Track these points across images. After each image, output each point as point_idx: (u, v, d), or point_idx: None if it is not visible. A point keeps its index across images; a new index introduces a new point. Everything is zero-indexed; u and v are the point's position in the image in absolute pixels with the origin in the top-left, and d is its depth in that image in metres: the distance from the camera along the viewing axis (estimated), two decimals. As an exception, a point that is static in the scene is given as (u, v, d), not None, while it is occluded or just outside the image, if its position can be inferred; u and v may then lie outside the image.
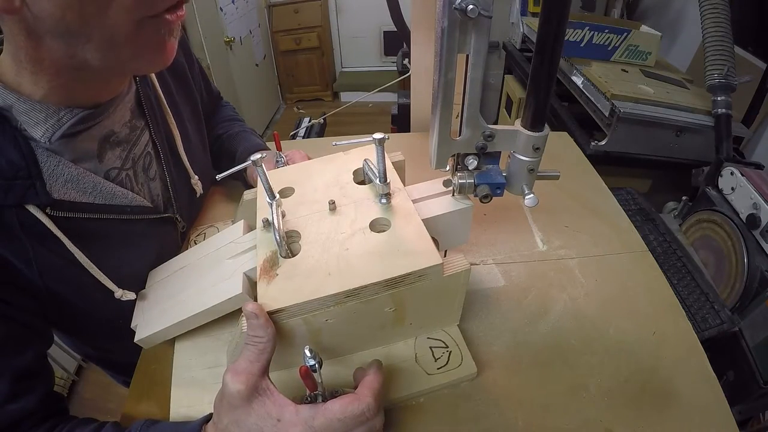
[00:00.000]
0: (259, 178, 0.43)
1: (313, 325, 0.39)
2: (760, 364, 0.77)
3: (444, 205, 0.45)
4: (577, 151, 0.83)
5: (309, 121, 0.95)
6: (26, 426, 0.40)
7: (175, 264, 0.51)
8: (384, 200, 0.44)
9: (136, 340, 0.46)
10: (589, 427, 0.42)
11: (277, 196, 0.44)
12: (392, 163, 0.50)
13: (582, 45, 1.34)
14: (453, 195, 0.45)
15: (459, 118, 0.38)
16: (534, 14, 1.87)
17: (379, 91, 1.17)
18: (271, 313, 0.36)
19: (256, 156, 0.40)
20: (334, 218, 0.43)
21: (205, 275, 0.47)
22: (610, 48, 1.35)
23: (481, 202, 0.42)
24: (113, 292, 0.45)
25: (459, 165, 0.42)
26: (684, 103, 1.12)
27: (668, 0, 1.69)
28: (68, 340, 0.62)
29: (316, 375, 0.35)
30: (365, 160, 0.46)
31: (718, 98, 1.04)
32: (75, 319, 0.49)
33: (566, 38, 1.10)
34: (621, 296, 0.54)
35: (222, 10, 2.37)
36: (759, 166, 0.99)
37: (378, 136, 0.41)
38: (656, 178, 1.29)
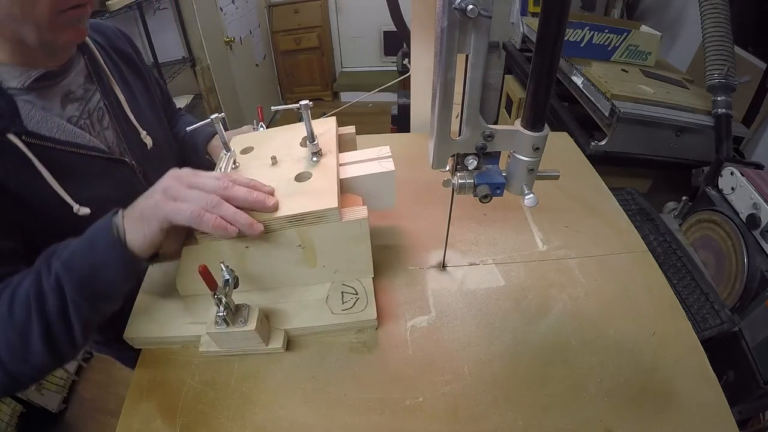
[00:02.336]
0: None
1: (236, 250, 0.47)
2: (760, 364, 0.77)
3: (366, 168, 0.53)
4: (577, 151, 0.83)
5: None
6: None
7: None
8: (315, 158, 0.52)
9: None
10: (589, 427, 0.42)
11: (233, 149, 0.55)
12: (342, 135, 0.61)
13: (582, 45, 1.34)
14: (379, 161, 0.53)
15: (459, 118, 0.38)
16: (534, 14, 1.87)
17: (379, 91, 1.17)
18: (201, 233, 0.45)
19: (215, 115, 0.51)
20: (272, 170, 0.52)
21: None
22: (610, 48, 1.35)
23: (481, 201, 0.42)
24: (71, 208, 0.54)
25: (459, 165, 0.42)
26: (684, 103, 1.13)
27: (668, 0, 1.70)
28: None
29: (227, 290, 0.44)
30: (304, 113, 0.52)
31: (718, 98, 1.04)
32: (36, 236, 0.55)
33: (566, 38, 1.10)
34: (621, 296, 0.54)
35: (222, 10, 2.37)
36: (759, 166, 0.99)
37: (303, 102, 0.49)
38: (656, 178, 1.29)
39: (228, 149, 0.54)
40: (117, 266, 0.45)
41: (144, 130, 0.69)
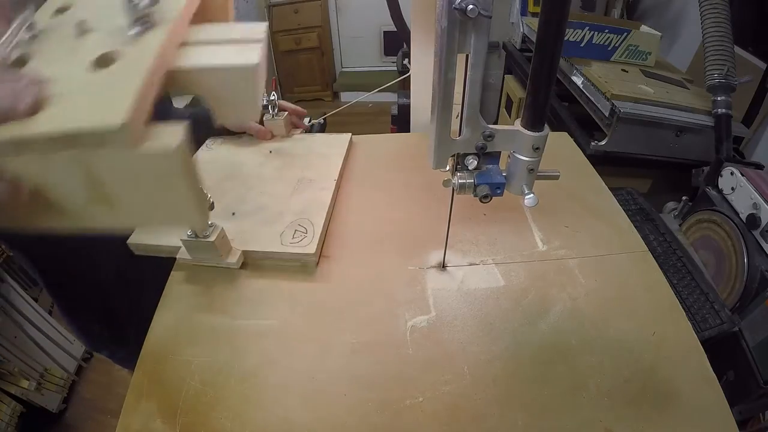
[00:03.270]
0: None
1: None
2: (760, 364, 0.77)
3: (215, 55, 0.34)
4: (577, 151, 0.83)
5: (309, 121, 0.95)
6: None
7: None
8: (136, 29, 0.31)
9: None
10: (589, 427, 0.42)
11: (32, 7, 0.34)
12: None
13: (582, 45, 1.34)
14: (240, 47, 0.34)
15: (459, 118, 0.38)
16: (534, 14, 1.87)
17: (379, 91, 1.17)
18: None
19: None
20: (73, 45, 0.33)
21: None
22: (610, 48, 1.35)
23: (481, 201, 0.42)
24: None
25: (459, 165, 0.42)
26: (684, 103, 1.13)
27: (668, 0, 1.70)
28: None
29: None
30: None
31: (718, 98, 1.04)
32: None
33: (566, 38, 1.10)
34: (621, 296, 0.54)
35: (222, 10, 2.37)
36: (759, 166, 0.99)
37: None
38: (656, 178, 1.29)
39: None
40: None
41: None
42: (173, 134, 0.29)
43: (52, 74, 0.30)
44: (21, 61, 0.33)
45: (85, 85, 0.30)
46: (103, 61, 0.31)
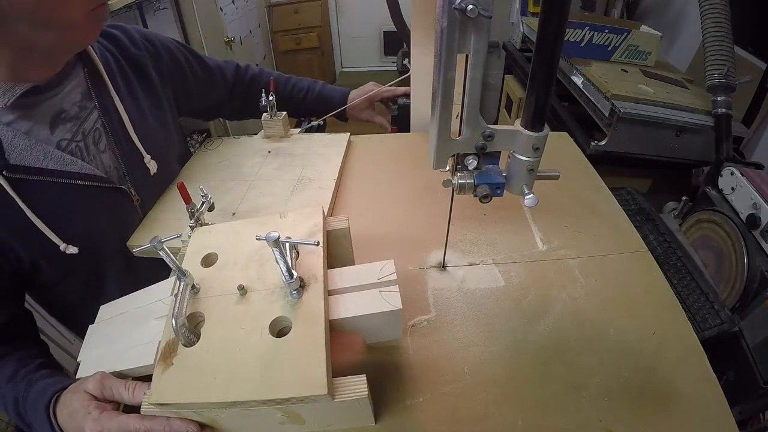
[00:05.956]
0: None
1: (206, 415, 0.39)
2: (760, 364, 0.77)
3: (365, 304, 0.41)
4: (577, 151, 0.83)
5: (309, 122, 0.96)
6: None
7: (119, 306, 0.50)
8: (294, 293, 0.40)
9: (77, 376, 0.45)
10: (589, 427, 0.42)
11: (188, 272, 0.41)
12: (332, 231, 0.47)
13: (582, 45, 1.34)
14: (382, 292, 0.42)
15: (459, 118, 0.38)
16: (534, 14, 1.87)
17: (379, 91, 1.17)
18: (158, 405, 0.37)
19: (156, 240, 0.39)
20: (240, 307, 0.40)
21: (134, 330, 0.45)
22: (610, 48, 1.35)
23: (481, 202, 0.42)
24: (58, 246, 0.51)
25: (459, 165, 0.42)
26: (684, 103, 1.12)
27: (668, 0, 1.69)
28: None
29: (200, 208, 0.50)
30: (274, 249, 0.37)
31: (718, 98, 1.04)
32: (25, 273, 0.55)
33: (566, 38, 1.10)
34: (621, 296, 0.54)
35: (222, 10, 2.37)
36: (759, 166, 0.99)
37: (273, 235, 0.36)
38: (656, 178, 1.29)
39: (183, 273, 0.40)
40: None
41: (149, 153, 0.63)
42: (361, 382, 0.37)
43: (234, 341, 0.38)
44: (199, 317, 0.40)
45: (273, 352, 0.37)
46: (278, 329, 0.39)
